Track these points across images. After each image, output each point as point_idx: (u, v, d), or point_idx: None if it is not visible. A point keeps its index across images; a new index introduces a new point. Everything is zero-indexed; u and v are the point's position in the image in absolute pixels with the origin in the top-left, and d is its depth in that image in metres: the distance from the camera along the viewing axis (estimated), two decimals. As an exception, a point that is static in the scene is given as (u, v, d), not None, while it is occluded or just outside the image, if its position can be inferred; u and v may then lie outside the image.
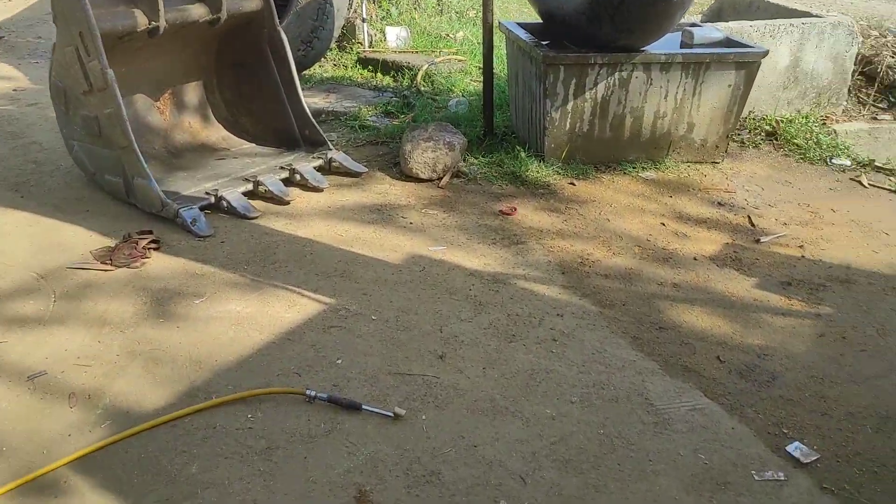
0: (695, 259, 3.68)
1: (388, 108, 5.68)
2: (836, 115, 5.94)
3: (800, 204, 4.36)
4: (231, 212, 3.97)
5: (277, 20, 4.61)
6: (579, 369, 2.80)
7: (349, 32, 7.05)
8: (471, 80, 6.35)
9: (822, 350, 2.98)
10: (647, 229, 3.97)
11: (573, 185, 4.48)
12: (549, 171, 4.58)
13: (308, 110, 4.67)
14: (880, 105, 6.01)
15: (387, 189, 4.37)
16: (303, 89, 6.02)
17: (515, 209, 4.12)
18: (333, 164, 4.53)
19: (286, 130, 4.77)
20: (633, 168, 4.72)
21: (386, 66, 6.59)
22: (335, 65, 6.84)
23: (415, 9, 7.62)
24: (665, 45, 4.56)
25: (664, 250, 3.76)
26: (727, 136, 4.80)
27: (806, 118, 5.67)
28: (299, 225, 3.89)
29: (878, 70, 6.06)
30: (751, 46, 4.64)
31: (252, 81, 4.79)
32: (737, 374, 2.81)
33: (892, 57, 6.12)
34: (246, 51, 4.73)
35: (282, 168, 4.40)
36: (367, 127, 5.31)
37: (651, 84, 4.53)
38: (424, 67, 6.37)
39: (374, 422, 2.48)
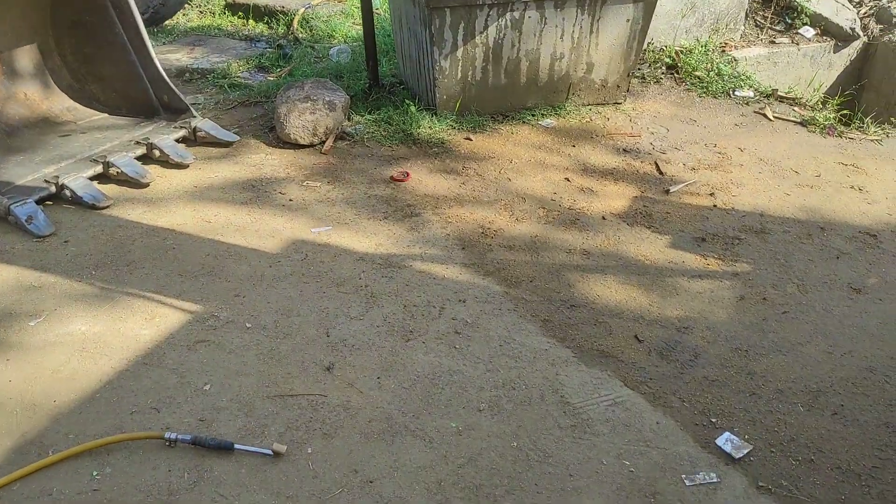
0: (603, 218, 3.39)
1: (262, 61, 5.10)
2: (735, 41, 5.73)
3: (706, 144, 4.13)
4: (76, 202, 3.41)
5: (116, -32, 3.94)
6: (486, 367, 2.48)
7: (214, -26, 6.32)
8: (353, 22, 5.80)
9: (744, 316, 2.76)
10: (551, 187, 3.65)
11: (469, 140, 4.10)
12: (442, 125, 4.17)
13: (164, 73, 4.07)
14: (777, 28, 5.84)
15: (262, 159, 3.88)
16: (165, 43, 5.38)
17: (408, 174, 3.71)
18: (199, 133, 3.98)
19: (142, 97, 4.16)
20: (533, 116, 4.37)
21: (258, 12, 5.94)
22: (201, 12, 6.14)
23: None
24: (558, -22, 4.17)
25: (571, 210, 3.45)
26: (628, 75, 4.50)
27: (705, 46, 5.44)
28: (160, 212, 3.37)
29: (774, -8, 5.86)
30: (648, -24, 4.30)
31: (95, 42, 4.13)
32: (657, 355, 2.56)
33: (787, -23, 5.92)
34: (84, 6, 4.05)
35: (137, 143, 3.83)
36: (239, 85, 4.73)
37: (546, 24, 4.15)
38: (301, 11, 5.77)
39: (249, 464, 2.10)
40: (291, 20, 5.70)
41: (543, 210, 3.45)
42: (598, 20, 4.23)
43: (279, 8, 5.83)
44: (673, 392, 2.40)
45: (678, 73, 5.02)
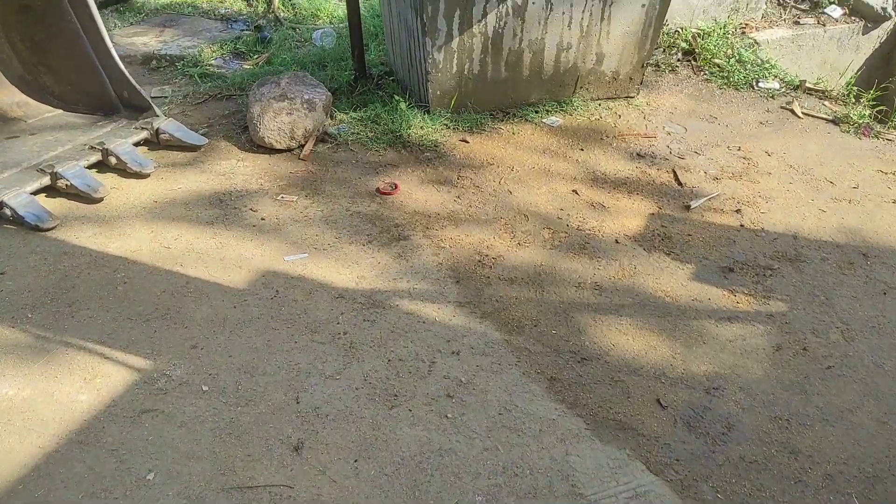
0: (617, 242, 2.99)
1: (238, 45, 4.63)
2: (756, 21, 5.26)
3: (729, 147, 3.71)
4: (18, 222, 2.99)
5: (64, -51, 3.46)
6: (483, 444, 2.10)
7: (188, -56, 5.79)
8: (339, 0, 5.31)
9: (783, 373, 2.38)
10: (557, 201, 3.24)
11: (466, 142, 3.67)
12: (435, 125, 3.74)
13: (122, 66, 3.62)
14: (801, 6, 5.36)
15: (233, 167, 3.45)
16: (132, 24, 4.90)
17: (396, 186, 3.29)
18: (163, 136, 3.55)
19: (99, 91, 3.71)
20: (536, 112, 3.93)
21: (236, -13, 5.43)
22: (174, -14, 5.62)
23: None
24: (565, -42, 3.70)
25: (580, 232, 3.05)
26: (642, 66, 4.05)
27: (724, 27, 4.98)
28: (112, 234, 2.96)
29: (799, -34, 5.36)
30: (667, -45, 3.83)
31: (46, 29, 3.67)
32: (684, 426, 2.18)
33: (813, -50, 5.42)
34: (30, -11, 3.59)
35: (92, 148, 3.40)
36: (211, 75, 4.27)
37: (551, 10, 3.69)
38: (282, -13, 5.27)
39: (196, 587, 1.73)
40: (272, -3, 5.20)
41: (549, 231, 3.05)
42: (609, 6, 3.77)
43: (259, -17, 5.33)
44: (704, 478, 2.03)
45: (696, 61, 4.56)
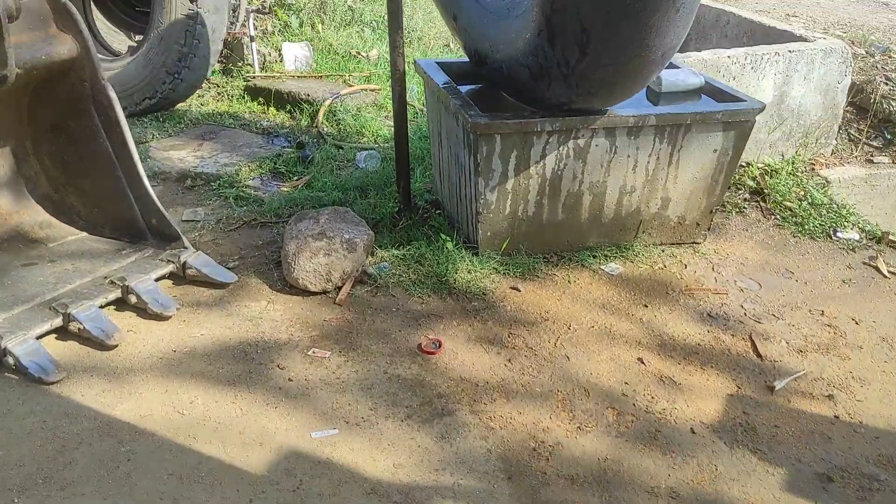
0: (692, 432, 2.60)
1: (278, 164, 4.41)
2: (826, 157, 4.96)
3: (811, 311, 3.33)
4: (20, 371, 2.69)
5: (101, 70, 3.29)
6: None
7: (236, 52, 5.72)
8: (385, 116, 5.13)
9: None
10: (621, 372, 2.87)
11: (517, 290, 3.35)
12: (485, 269, 3.43)
13: (153, 194, 3.39)
14: (874, 143, 5.06)
15: (262, 310, 3.15)
16: (171, 134, 4.74)
17: (441, 344, 2.96)
18: (189, 271, 3.28)
19: (127, 216, 3.49)
20: (594, 257, 3.61)
21: (280, 98, 5.30)
22: (218, 94, 5.51)
23: (319, 19, 6.31)
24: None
25: (648, 415, 2.66)
26: (711, 212, 3.73)
27: (792, 164, 4.68)
28: (122, 393, 2.64)
29: (871, 100, 5.10)
30: (742, 99, 3.56)
31: (76, 150, 3.49)
32: None
33: (886, 83, 5.16)
34: (65, 110, 3.43)
35: (112, 283, 3.13)
36: (247, 198, 4.04)
37: (616, 153, 3.42)
38: (328, 102, 5.11)
39: None
40: (317, 111, 5.04)
41: (613, 412, 2.66)
42: (679, 150, 3.49)
43: (304, 96, 5.19)
44: None
45: (765, 202, 4.24)
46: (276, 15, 6.17)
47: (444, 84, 3.60)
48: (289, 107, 5.24)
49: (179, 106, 5.19)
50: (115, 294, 3.10)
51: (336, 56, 5.96)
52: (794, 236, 3.96)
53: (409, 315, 3.16)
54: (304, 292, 3.25)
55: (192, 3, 4.69)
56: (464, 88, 3.78)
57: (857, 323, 3.26)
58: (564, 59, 2.87)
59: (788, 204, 4.21)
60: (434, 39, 6.38)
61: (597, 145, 3.38)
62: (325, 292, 3.26)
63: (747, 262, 3.69)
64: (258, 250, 3.59)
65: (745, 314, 3.28)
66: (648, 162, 3.49)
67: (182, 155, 4.45)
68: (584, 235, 3.64)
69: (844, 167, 4.88)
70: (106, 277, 3.19)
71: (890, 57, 5.63)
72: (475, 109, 3.28)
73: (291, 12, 6.31)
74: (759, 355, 3.01)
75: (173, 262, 3.29)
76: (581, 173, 3.44)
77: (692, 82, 3.71)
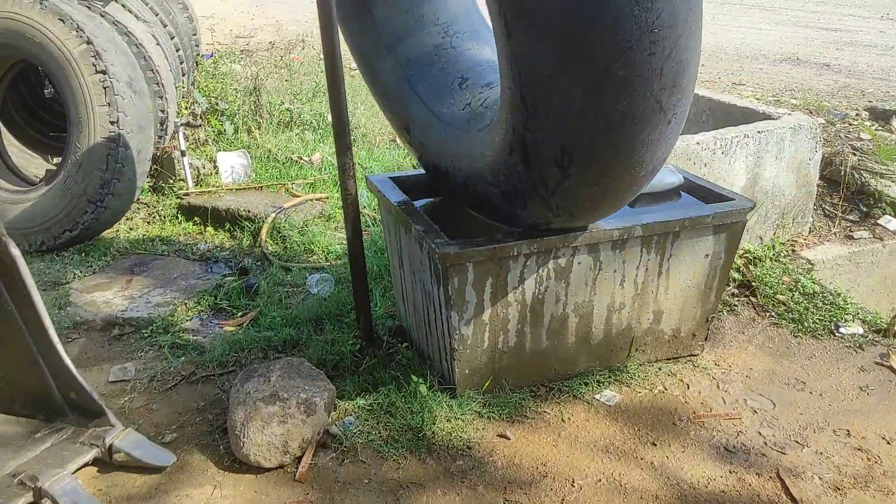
0: None
1: (220, 298, 3.93)
2: (804, 236, 4.71)
3: (836, 431, 2.96)
4: None
5: (1, 226, 2.80)
6: None
7: (166, 167, 5.27)
8: (336, 227, 4.71)
9: None
10: (643, 542, 2.42)
11: (506, 438, 2.90)
12: (466, 414, 2.97)
13: (69, 363, 2.87)
14: (850, 217, 4.84)
15: (207, 499, 2.62)
16: (95, 271, 4.23)
17: (426, 526, 2.47)
18: (117, 455, 2.74)
19: (40, 390, 2.94)
20: (586, 385, 3.20)
21: (218, 216, 4.84)
22: (149, 215, 5.03)
23: (255, 124, 5.92)
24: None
25: None
26: (707, 320, 3.38)
27: (773, 248, 4.41)
28: None
29: (841, 172, 4.91)
30: (728, 197, 3.26)
31: (-23, 316, 2.95)
32: None
33: (854, 154, 4.98)
34: (-40, 271, 2.90)
35: (21, 484, 2.58)
36: (185, 345, 3.53)
37: (601, 269, 3.05)
38: (271, 217, 4.68)
39: None
40: (259, 229, 4.59)
41: None
42: (668, 259, 3.14)
43: (244, 213, 4.74)
44: None
45: (755, 297, 3.91)
46: (208, 123, 5.75)
47: (402, 204, 3.20)
48: (228, 225, 4.78)
49: (106, 233, 4.69)
50: (27, 499, 2.54)
51: (276, 163, 5.55)
52: (795, 336, 3.62)
53: (385, 487, 2.67)
54: (258, 469, 2.73)
55: (112, 124, 4.25)
56: (423, 202, 3.42)
57: (888, 442, 2.90)
58: (542, 180, 2.50)
59: (780, 297, 3.89)
60: (379, 136, 6.05)
61: (579, 263, 3.00)
62: (282, 466, 2.75)
63: (753, 374, 3.32)
64: (200, 414, 3.07)
65: (766, 443, 2.88)
66: (637, 275, 3.13)
67: (108, 296, 3.92)
68: (573, 361, 3.23)
69: (825, 246, 4.63)
70: (14, 476, 2.63)
71: (850, 124, 5.49)
72: (441, 236, 2.88)
73: (225, 118, 5.92)
74: (793, 500, 2.60)
75: (97, 446, 2.75)
76: (564, 295, 3.05)
77: (670, 181, 3.40)
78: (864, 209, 4.81)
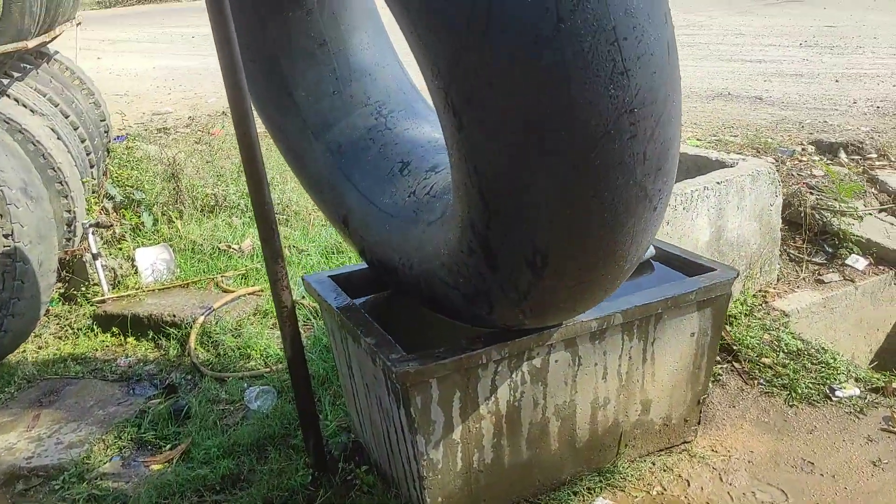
0: None
1: (144, 427, 3.41)
2: (773, 285, 4.46)
3: (859, 521, 2.62)
4: None
5: None
6: None
7: (77, 273, 4.73)
8: (273, 325, 4.25)
9: None
10: None
11: (495, 579, 2.46)
12: (444, 554, 2.53)
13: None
14: (816, 259, 4.62)
15: None
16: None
17: None
18: None
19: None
20: (575, 495, 2.81)
21: (139, 324, 4.32)
22: (60, 329, 4.47)
23: (176, 213, 5.43)
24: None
25: None
26: (698, 403, 3.04)
27: (744, 303, 4.14)
28: None
29: (801, 213, 4.70)
30: (709, 267, 2.95)
31: None
32: None
33: (811, 192, 4.80)
34: None
35: None
36: (105, 497, 2.99)
37: (580, 365, 2.69)
38: (199, 321, 4.19)
39: None
40: (187, 336, 4.09)
41: None
42: (652, 343, 2.80)
43: (168, 318, 4.24)
44: None
45: (738, 362, 3.61)
46: (123, 217, 5.25)
47: (347, 311, 2.79)
48: (151, 334, 4.26)
49: (9, 357, 4.11)
50: None
51: (202, 255, 5.06)
52: (790, 405, 3.32)
53: None
54: None
55: (6, 237, 3.73)
56: (368, 298, 3.03)
57: (921, 530, 2.57)
58: (511, 283, 2.13)
59: (766, 360, 3.60)
60: (312, 213, 5.62)
61: (556, 361, 2.63)
62: None
63: (755, 459, 2.99)
64: (125, 590, 2.54)
65: (788, 547, 2.53)
66: (620, 365, 2.78)
67: (11, 440, 3.36)
68: (558, 469, 2.84)
69: (797, 293, 4.39)
70: None
71: (799, 160, 5.34)
72: (397, 350, 2.48)
73: (143, 208, 5.41)
74: None
75: None
76: (543, 398, 2.67)
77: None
78: (830, 250, 4.60)
